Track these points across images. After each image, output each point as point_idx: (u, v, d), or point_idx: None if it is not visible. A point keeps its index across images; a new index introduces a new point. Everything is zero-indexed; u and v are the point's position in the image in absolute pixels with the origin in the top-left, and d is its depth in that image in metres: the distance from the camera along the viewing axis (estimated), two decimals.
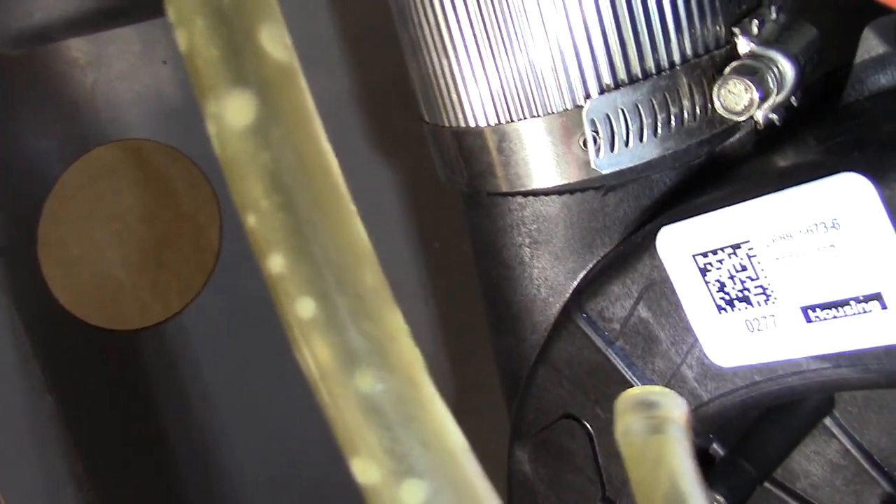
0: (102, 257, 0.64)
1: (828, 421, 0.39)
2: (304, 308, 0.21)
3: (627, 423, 0.28)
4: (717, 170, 0.35)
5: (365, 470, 0.20)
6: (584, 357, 0.38)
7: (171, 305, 0.62)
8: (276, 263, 0.21)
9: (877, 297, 0.28)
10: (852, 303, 0.29)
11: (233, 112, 0.20)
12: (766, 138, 0.36)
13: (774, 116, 0.35)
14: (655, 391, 0.32)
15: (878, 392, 0.37)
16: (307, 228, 0.21)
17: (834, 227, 0.28)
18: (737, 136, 0.36)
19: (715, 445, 0.36)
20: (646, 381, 0.36)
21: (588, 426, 0.39)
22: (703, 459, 0.36)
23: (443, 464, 0.20)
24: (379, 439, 0.20)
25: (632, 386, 0.37)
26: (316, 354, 0.21)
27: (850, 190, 0.28)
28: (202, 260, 0.62)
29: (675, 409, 0.27)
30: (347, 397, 0.20)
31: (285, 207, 0.21)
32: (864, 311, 0.29)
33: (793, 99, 0.36)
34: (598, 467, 0.39)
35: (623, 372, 0.36)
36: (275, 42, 0.21)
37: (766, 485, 0.41)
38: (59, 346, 0.59)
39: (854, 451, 0.39)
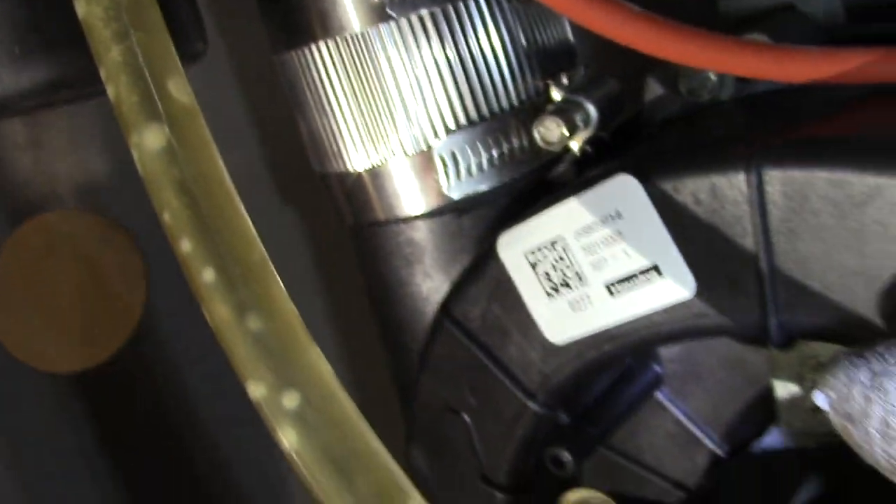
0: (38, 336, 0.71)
1: (659, 395, 0.47)
2: (207, 275, 0.28)
3: None
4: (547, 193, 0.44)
5: (255, 387, 0.28)
6: (456, 355, 0.46)
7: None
8: (185, 246, 0.29)
9: (655, 268, 0.37)
10: (639, 275, 0.38)
11: (149, 140, 0.29)
12: (585, 167, 0.45)
13: (588, 148, 0.44)
14: (598, 497, 0.38)
15: (693, 365, 0.46)
16: (207, 220, 0.29)
17: (618, 217, 0.37)
18: (561, 166, 0.45)
19: (561, 415, 0.44)
20: (504, 369, 0.44)
21: (465, 417, 0.47)
22: (553, 427, 0.44)
23: (313, 379, 0.28)
24: (265, 363, 0.28)
25: (496, 376, 0.45)
26: (217, 308, 0.28)
27: (624, 188, 0.37)
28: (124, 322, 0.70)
29: None
30: (240, 336, 0.28)
31: (191, 206, 0.29)
32: (648, 281, 0.38)
33: (604, 136, 0.45)
34: (474, 450, 0.47)
35: (487, 363, 0.45)
36: (179, 90, 0.29)
37: (621, 460, 0.49)
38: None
39: (683, 419, 0.47)
